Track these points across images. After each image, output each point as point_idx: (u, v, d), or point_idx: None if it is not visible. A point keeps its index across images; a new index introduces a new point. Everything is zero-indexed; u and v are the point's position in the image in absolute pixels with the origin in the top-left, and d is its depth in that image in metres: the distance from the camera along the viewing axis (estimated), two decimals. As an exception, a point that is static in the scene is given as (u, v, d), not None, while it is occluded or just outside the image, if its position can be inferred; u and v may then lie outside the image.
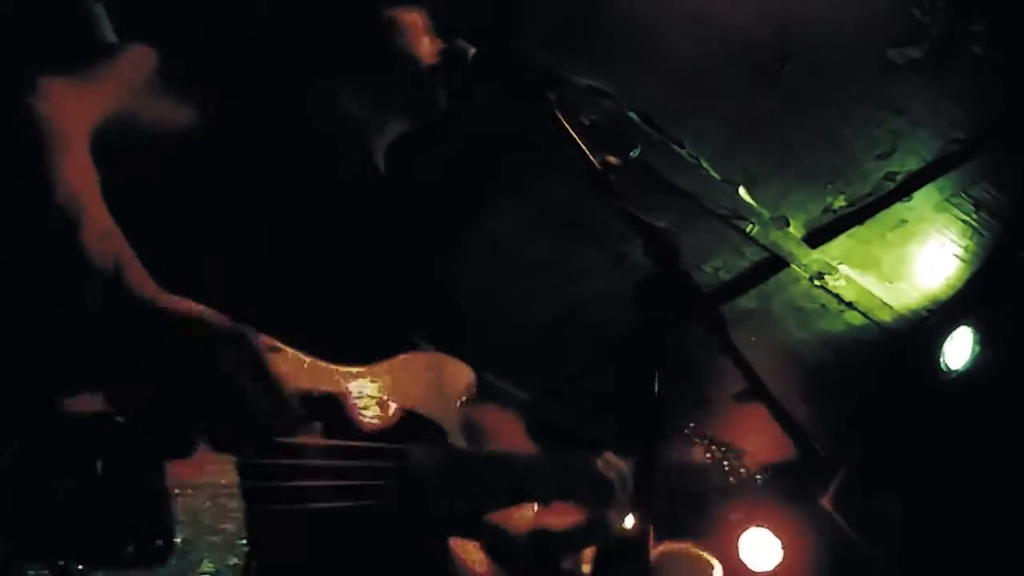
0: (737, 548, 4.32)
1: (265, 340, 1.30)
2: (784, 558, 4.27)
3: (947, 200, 3.47)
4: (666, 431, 2.22)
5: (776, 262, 3.70)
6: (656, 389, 1.44)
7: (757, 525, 4.32)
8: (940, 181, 3.39)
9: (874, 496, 4.07)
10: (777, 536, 4.29)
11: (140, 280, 1.23)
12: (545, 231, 3.65)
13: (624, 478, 2.02)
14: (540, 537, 2.07)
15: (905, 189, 3.43)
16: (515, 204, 3.53)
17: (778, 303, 3.88)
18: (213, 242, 1.49)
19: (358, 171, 1.79)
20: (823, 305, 3.88)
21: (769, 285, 3.79)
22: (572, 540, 2.17)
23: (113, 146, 1.39)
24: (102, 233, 1.23)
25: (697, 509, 4.10)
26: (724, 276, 3.80)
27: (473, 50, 1.88)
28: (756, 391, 1.63)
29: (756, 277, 3.77)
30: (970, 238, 3.61)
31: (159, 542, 1.17)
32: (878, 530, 4.02)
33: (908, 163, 3.37)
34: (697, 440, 2.36)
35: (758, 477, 2.44)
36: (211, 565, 1.21)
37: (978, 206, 3.49)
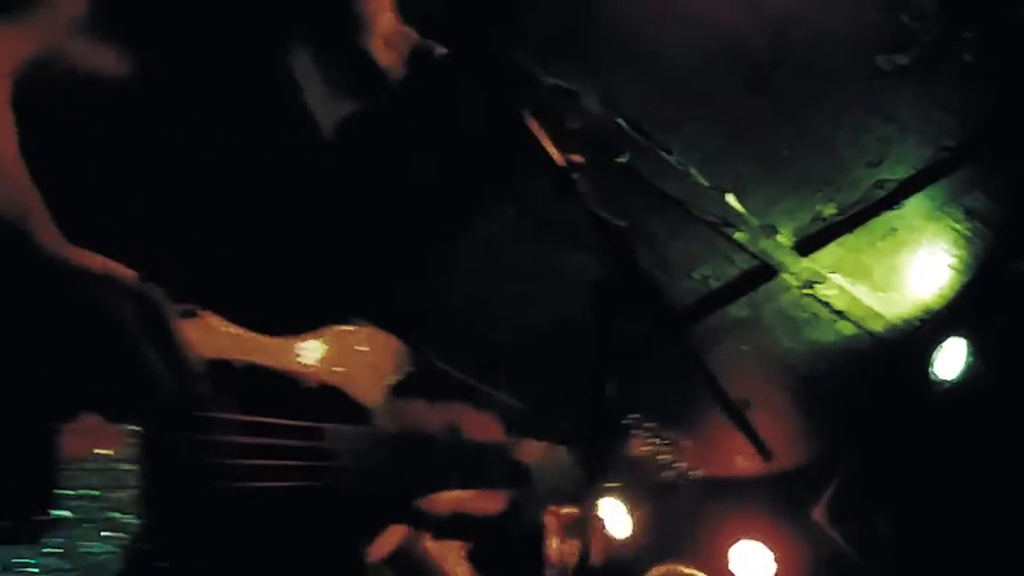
0: (728, 561, 4.28)
1: (179, 304, 1.24)
2: (776, 571, 4.23)
3: (938, 209, 3.44)
4: (617, 426, 2.22)
5: (766, 270, 3.66)
6: (606, 386, 1.44)
7: (749, 537, 4.28)
8: (931, 189, 3.36)
9: (867, 507, 4.03)
10: (769, 548, 4.25)
11: (45, 231, 1.17)
12: (537, 236, 3.62)
13: (543, 466, 2.01)
14: (461, 521, 2.05)
15: (895, 197, 3.40)
16: (507, 207, 3.51)
17: (768, 312, 3.84)
18: (149, 203, 1.44)
19: (304, 140, 1.74)
20: (814, 314, 3.84)
21: (759, 293, 3.74)
22: (494, 525, 2.15)
23: (41, 89, 1.35)
24: (9, 179, 1.19)
25: (687, 522, 4.08)
26: (713, 284, 3.76)
27: (441, 48, 1.87)
28: (714, 393, 1.61)
29: (746, 285, 3.74)
30: (962, 247, 3.57)
31: (40, 517, 1.11)
32: (870, 541, 3.99)
33: (898, 171, 3.34)
34: (635, 432, 2.33)
35: (692, 474, 2.42)
36: (98, 543, 1.15)
37: (969, 215, 3.46)
